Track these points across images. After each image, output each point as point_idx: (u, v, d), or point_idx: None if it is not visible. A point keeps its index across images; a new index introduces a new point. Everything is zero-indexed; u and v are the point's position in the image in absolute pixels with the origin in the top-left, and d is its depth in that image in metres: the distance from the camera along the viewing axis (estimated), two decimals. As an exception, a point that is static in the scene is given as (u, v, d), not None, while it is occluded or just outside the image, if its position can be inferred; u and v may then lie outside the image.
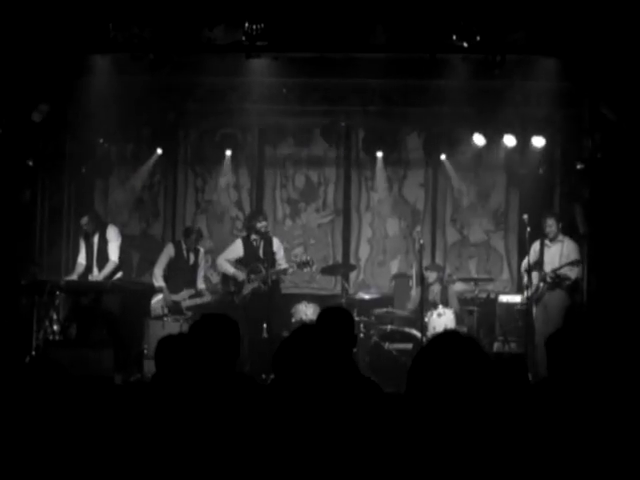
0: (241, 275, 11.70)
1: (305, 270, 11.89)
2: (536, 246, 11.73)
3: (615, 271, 10.99)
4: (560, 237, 11.57)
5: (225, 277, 11.92)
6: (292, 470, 3.60)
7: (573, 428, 4.21)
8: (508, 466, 3.08)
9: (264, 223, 11.82)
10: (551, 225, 11.56)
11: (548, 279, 11.35)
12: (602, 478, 4.04)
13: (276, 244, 11.87)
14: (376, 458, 3.29)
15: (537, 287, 11.43)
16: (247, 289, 11.57)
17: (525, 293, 11.64)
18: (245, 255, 11.83)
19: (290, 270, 11.72)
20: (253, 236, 11.84)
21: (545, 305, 11.38)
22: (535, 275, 11.54)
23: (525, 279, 11.69)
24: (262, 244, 11.79)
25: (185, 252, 12.11)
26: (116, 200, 13.80)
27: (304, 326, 4.59)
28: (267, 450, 3.69)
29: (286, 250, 12.51)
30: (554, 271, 11.32)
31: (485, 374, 3.09)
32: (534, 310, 11.48)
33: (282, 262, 11.85)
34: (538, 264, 11.61)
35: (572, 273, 11.35)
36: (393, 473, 3.13)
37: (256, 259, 11.70)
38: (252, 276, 11.58)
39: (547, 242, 11.61)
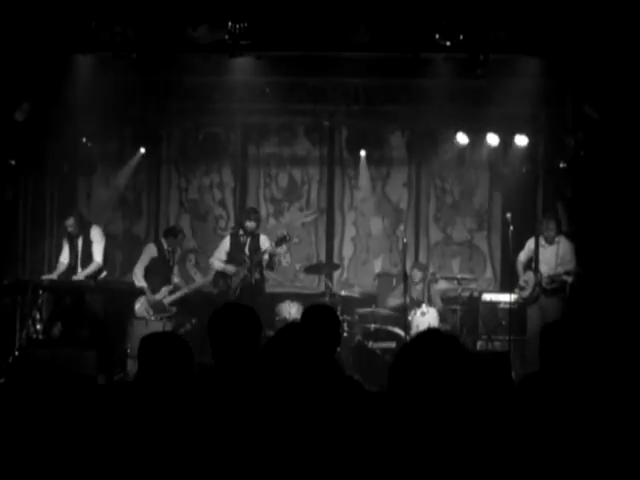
0: (230, 268, 11.69)
1: (284, 245, 11.83)
2: (531, 243, 11.73)
3: (598, 268, 11.02)
4: (557, 238, 11.57)
5: (216, 277, 11.91)
6: (276, 469, 3.60)
7: (562, 424, 4.23)
8: (492, 464, 3.09)
9: (252, 224, 11.77)
10: (551, 229, 11.53)
11: (544, 284, 11.34)
12: (586, 475, 4.06)
13: (262, 240, 11.84)
14: (358, 457, 3.29)
15: (533, 288, 11.43)
16: (235, 282, 11.57)
17: (519, 292, 11.64)
18: (231, 250, 11.84)
19: (271, 249, 11.62)
20: (241, 232, 11.85)
21: (541, 307, 11.37)
22: (530, 274, 11.56)
23: (521, 277, 11.69)
24: (249, 240, 11.78)
25: (167, 252, 12.11)
26: (99, 199, 13.76)
27: (290, 324, 4.59)
28: (252, 448, 3.69)
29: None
30: (550, 277, 11.32)
31: (467, 372, 3.09)
32: (527, 309, 11.51)
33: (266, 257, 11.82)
34: (531, 262, 11.64)
35: (568, 278, 11.34)
36: (375, 471, 3.13)
37: (242, 254, 11.69)
38: (239, 268, 11.59)
39: (543, 242, 11.60)
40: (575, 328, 4.94)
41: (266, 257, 11.63)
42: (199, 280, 12.40)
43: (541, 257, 11.53)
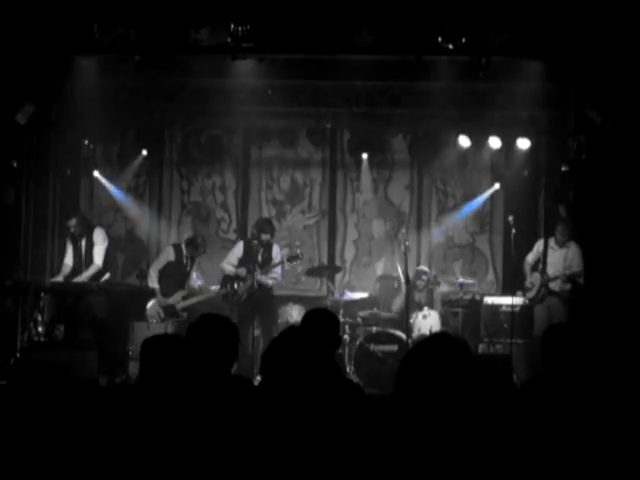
0: (241, 270, 11.64)
1: (295, 263, 11.92)
2: (539, 245, 11.77)
3: (600, 271, 11.02)
4: (567, 242, 11.58)
5: (224, 279, 11.84)
6: (276, 471, 3.60)
7: (565, 427, 4.22)
8: (494, 467, 3.09)
9: (268, 236, 11.69)
10: (562, 233, 11.56)
11: (561, 283, 11.38)
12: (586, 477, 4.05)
13: (275, 251, 11.80)
14: (357, 460, 3.29)
15: (539, 289, 11.46)
16: (242, 289, 11.54)
17: (525, 293, 11.67)
18: (244, 256, 11.76)
19: (281, 264, 11.64)
20: (255, 241, 11.77)
21: (548, 308, 11.40)
22: (536, 276, 11.59)
23: (528, 279, 11.72)
24: (262, 250, 11.72)
25: (185, 258, 12.01)
26: (101, 201, 13.76)
27: (291, 328, 4.59)
28: (251, 452, 3.69)
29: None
30: (567, 276, 11.36)
31: (475, 376, 3.10)
32: (534, 310, 11.52)
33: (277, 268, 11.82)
34: (538, 264, 11.67)
35: (580, 279, 11.39)
36: (374, 474, 3.13)
37: (254, 262, 11.63)
38: (248, 275, 11.54)
39: (553, 244, 11.62)
40: (577, 331, 4.94)
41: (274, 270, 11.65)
42: (213, 288, 12.30)
43: (549, 259, 11.56)
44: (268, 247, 11.73)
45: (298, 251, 11.90)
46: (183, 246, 12.08)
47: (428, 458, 3.00)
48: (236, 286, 11.62)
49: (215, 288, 12.10)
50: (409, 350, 3.34)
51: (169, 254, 12.03)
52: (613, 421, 4.33)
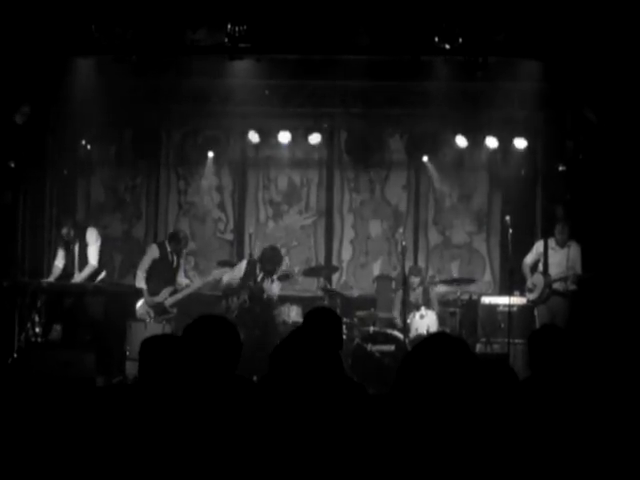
0: (234, 282, 11.68)
1: (286, 281, 11.99)
2: (539, 246, 11.77)
3: (598, 271, 11.03)
4: (568, 242, 11.59)
5: (224, 293, 11.85)
6: (278, 472, 3.60)
7: (554, 426, 4.23)
8: (496, 467, 3.09)
9: (273, 269, 11.78)
10: (566, 232, 11.57)
11: (562, 288, 11.42)
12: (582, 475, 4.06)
13: (275, 286, 11.83)
14: (364, 458, 3.30)
15: (542, 290, 11.48)
16: (235, 305, 11.55)
17: (527, 295, 11.70)
18: (245, 276, 11.76)
19: (274, 284, 11.70)
20: (259, 265, 11.80)
21: (550, 307, 11.42)
22: (538, 277, 11.60)
23: (529, 280, 11.74)
24: (262, 275, 11.76)
25: (170, 255, 12.01)
26: (98, 202, 13.75)
27: (299, 329, 4.59)
28: (253, 453, 3.69)
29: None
30: (577, 276, 11.37)
31: (475, 376, 3.10)
32: (536, 311, 11.54)
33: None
34: (537, 265, 11.70)
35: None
36: (379, 474, 3.13)
37: (254, 281, 11.66)
38: (242, 291, 11.56)
39: (554, 245, 11.62)
40: (563, 332, 4.95)
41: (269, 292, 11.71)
42: (198, 281, 12.30)
43: (551, 260, 11.55)
44: (269, 274, 11.73)
45: (288, 270, 12.01)
46: (167, 243, 12.08)
47: (431, 457, 3.00)
48: (230, 303, 11.65)
49: (204, 280, 12.14)
50: (409, 350, 3.34)
51: (154, 252, 12.03)
52: (603, 419, 4.34)
